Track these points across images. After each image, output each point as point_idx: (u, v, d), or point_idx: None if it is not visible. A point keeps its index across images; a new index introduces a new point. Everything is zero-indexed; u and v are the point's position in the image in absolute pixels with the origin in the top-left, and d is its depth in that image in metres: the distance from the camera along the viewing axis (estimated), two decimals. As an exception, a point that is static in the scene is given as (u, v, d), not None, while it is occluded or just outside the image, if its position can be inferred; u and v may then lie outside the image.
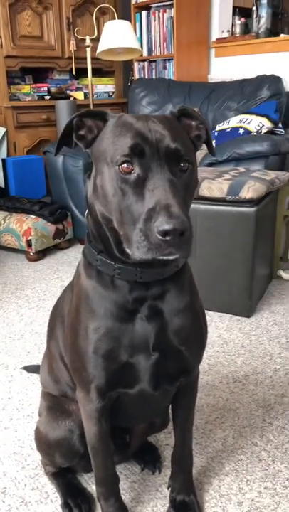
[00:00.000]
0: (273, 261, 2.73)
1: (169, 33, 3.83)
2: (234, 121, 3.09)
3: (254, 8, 3.83)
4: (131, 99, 3.75)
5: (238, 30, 3.88)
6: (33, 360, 1.99)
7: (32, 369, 1.84)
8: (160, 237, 0.75)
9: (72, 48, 3.98)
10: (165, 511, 1.26)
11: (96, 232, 0.95)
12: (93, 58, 3.67)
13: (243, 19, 3.88)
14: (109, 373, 0.98)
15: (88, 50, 3.61)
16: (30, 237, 3.08)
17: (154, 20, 3.91)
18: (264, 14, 3.60)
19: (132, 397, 1.04)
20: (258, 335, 2.15)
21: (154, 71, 4.09)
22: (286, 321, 2.28)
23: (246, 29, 3.92)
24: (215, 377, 1.84)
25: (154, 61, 4.05)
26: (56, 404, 1.23)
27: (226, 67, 3.89)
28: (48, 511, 1.27)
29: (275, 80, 3.18)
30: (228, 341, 2.11)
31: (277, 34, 3.72)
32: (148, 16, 3.95)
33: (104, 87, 4.40)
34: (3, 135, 3.64)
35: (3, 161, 3.57)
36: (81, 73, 4.13)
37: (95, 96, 4.20)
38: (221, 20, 3.93)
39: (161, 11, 3.84)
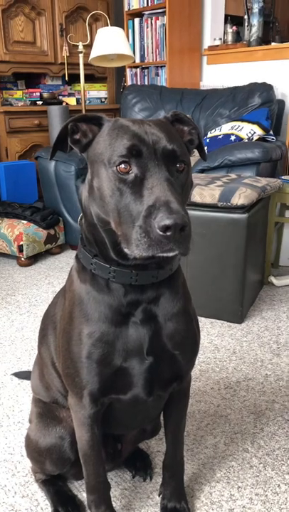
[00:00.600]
0: (264, 267, 2.74)
1: (161, 40, 3.86)
2: (226, 128, 3.11)
3: (246, 17, 3.88)
4: (123, 106, 3.76)
5: (229, 38, 3.91)
6: (23, 366, 1.97)
7: (22, 375, 1.84)
8: (161, 233, 0.76)
9: (65, 53, 3.99)
10: (156, 518, 1.26)
11: (91, 236, 0.95)
12: (86, 64, 3.69)
13: (234, 27, 3.92)
14: (102, 379, 0.98)
15: (81, 56, 3.62)
16: (21, 243, 3.07)
17: (147, 28, 3.93)
18: (255, 23, 3.63)
19: (125, 404, 1.04)
20: (249, 341, 2.16)
21: (146, 78, 4.11)
22: (277, 327, 2.29)
23: (238, 37, 3.96)
24: (206, 384, 1.84)
25: (147, 68, 4.07)
26: (47, 411, 1.22)
27: (218, 75, 3.92)
28: (38, 519, 1.26)
29: (266, 88, 3.20)
30: (220, 347, 2.11)
31: (268, 42, 3.76)
32: (140, 23, 3.97)
33: (97, 93, 4.42)
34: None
35: (-5, 165, 3.56)
36: (74, 79, 4.14)
37: (87, 102, 4.21)
38: (213, 28, 3.97)
39: (153, 18, 3.86)
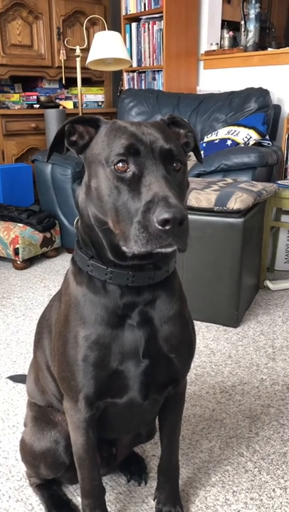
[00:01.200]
0: (260, 271, 2.75)
1: (158, 44, 3.87)
2: (222, 133, 3.13)
3: (242, 23, 3.90)
4: (120, 109, 3.77)
5: (226, 43, 3.93)
6: (18, 369, 1.97)
7: (18, 379, 1.83)
8: (160, 227, 0.76)
9: (62, 57, 4.00)
10: (151, 523, 1.25)
11: (87, 238, 0.95)
12: (83, 68, 3.70)
13: (231, 33, 3.94)
14: (98, 382, 0.97)
15: (78, 59, 3.63)
16: (17, 246, 3.07)
17: (144, 32, 3.95)
18: (252, 28, 3.66)
19: (120, 408, 1.04)
20: (245, 345, 2.16)
21: (143, 82, 4.12)
22: (272, 331, 2.29)
23: (235, 42, 3.98)
24: (202, 388, 1.84)
25: (144, 72, 4.09)
26: (42, 415, 1.22)
27: (215, 80, 3.94)
28: (33, 524, 1.25)
29: (262, 93, 3.22)
30: (215, 351, 2.11)
31: (264, 48, 3.78)
32: (138, 28, 3.99)
33: (94, 96, 4.43)
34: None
35: (-9, 168, 3.55)
36: (71, 82, 4.15)
37: (84, 105, 4.22)
38: (210, 33, 3.99)
39: (150, 22, 3.88)
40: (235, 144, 3.00)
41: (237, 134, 3.02)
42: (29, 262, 3.20)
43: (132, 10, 3.96)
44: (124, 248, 0.84)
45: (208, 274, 2.27)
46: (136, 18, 4.00)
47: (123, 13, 4.02)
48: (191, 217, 2.24)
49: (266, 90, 3.23)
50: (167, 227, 0.76)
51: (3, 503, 1.31)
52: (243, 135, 2.99)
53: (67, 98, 4.31)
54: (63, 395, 1.06)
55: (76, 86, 3.82)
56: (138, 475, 1.39)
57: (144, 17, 3.93)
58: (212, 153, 2.96)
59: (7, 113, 3.76)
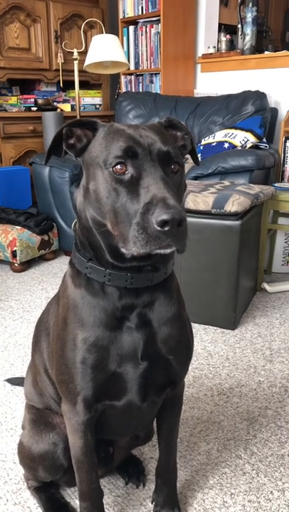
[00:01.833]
0: (257, 274, 2.76)
1: (155, 47, 3.88)
2: (219, 136, 3.14)
3: (239, 26, 3.92)
4: (118, 112, 3.78)
5: (223, 46, 3.95)
6: (16, 372, 1.97)
7: (16, 381, 1.83)
8: (159, 228, 0.77)
9: (60, 60, 4.01)
10: (149, 526, 1.25)
11: (85, 240, 0.96)
12: (80, 71, 3.70)
13: (228, 36, 3.96)
14: (97, 384, 0.98)
15: (76, 62, 3.64)
16: (15, 248, 3.07)
17: (142, 35, 3.96)
18: (249, 32, 3.67)
19: (119, 410, 1.04)
20: (243, 347, 2.17)
21: (140, 85, 4.13)
22: (270, 333, 2.30)
23: (232, 46, 4.00)
24: (199, 390, 1.84)
25: (141, 75, 4.10)
26: (40, 417, 1.22)
27: (212, 83, 3.95)
28: (31, 527, 1.25)
29: (259, 96, 3.23)
30: (213, 354, 2.11)
31: (261, 51, 3.80)
32: (135, 31, 4.00)
33: (92, 99, 4.43)
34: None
35: (-11, 171, 3.55)
36: (68, 85, 4.15)
37: (81, 108, 4.22)
38: (207, 36, 4.00)
39: (148, 26, 3.89)
40: (233, 146, 3.01)
41: (234, 137, 3.03)
42: (27, 265, 3.20)
43: (130, 13, 3.97)
44: (122, 250, 0.84)
45: (205, 276, 2.27)
46: (133, 22, 4.01)
47: (121, 16, 4.04)
48: (188, 219, 2.23)
49: (263, 93, 3.24)
50: (166, 228, 0.77)
51: (0, 506, 1.31)
52: (240, 138, 3.00)
53: (64, 101, 4.32)
54: (61, 398, 1.06)
55: (74, 89, 3.83)
56: (136, 477, 1.39)
57: (141, 20, 3.95)
58: (209, 156, 2.97)
59: (5, 116, 3.76)
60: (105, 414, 1.05)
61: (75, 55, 3.62)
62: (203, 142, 3.23)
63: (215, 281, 2.26)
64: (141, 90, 4.10)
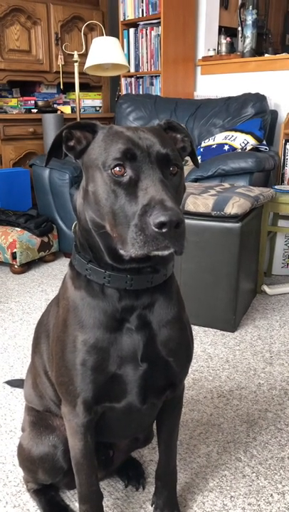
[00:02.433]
0: (257, 276, 2.76)
1: (156, 50, 3.89)
2: (219, 138, 3.14)
3: (239, 29, 3.93)
4: (118, 114, 3.78)
5: (223, 49, 3.96)
6: (16, 374, 1.96)
7: (15, 383, 1.83)
8: (156, 230, 0.77)
9: (60, 62, 4.01)
10: (149, 528, 1.25)
11: (85, 242, 0.96)
12: (81, 73, 3.71)
13: (228, 38, 3.97)
14: (97, 386, 0.98)
15: (76, 65, 3.65)
16: (15, 250, 3.07)
17: (142, 38, 3.96)
18: (249, 34, 3.68)
19: (119, 412, 1.04)
20: (242, 350, 2.16)
21: (140, 87, 4.14)
22: (270, 335, 2.30)
23: (232, 48, 4.00)
24: (199, 392, 1.84)
25: (141, 77, 4.10)
26: (40, 420, 1.22)
27: (212, 85, 3.96)
28: (30, 529, 1.25)
29: (259, 98, 3.24)
30: (213, 356, 2.11)
31: (261, 54, 3.81)
32: (136, 33, 4.00)
33: (92, 101, 4.44)
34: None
35: (-11, 173, 3.56)
36: (68, 87, 4.16)
37: (82, 110, 4.23)
38: (207, 39, 4.01)
39: (148, 28, 3.90)
40: (233, 149, 3.01)
41: (234, 139, 3.04)
42: (27, 267, 3.20)
43: (130, 16, 3.98)
44: (121, 251, 0.85)
45: (205, 278, 2.27)
46: (134, 24, 4.02)
47: (121, 18, 4.04)
48: (188, 221, 2.25)
49: (263, 96, 3.25)
50: (164, 230, 0.77)
51: (0, 508, 1.31)
52: (240, 140, 3.00)
53: (65, 103, 4.32)
54: (61, 400, 1.06)
55: (74, 91, 3.84)
56: (136, 480, 1.39)
57: (141, 23, 3.95)
58: (209, 158, 2.98)
59: (5, 118, 3.76)
60: (105, 416, 1.05)
61: (76, 57, 3.63)
62: (203, 144, 3.23)
63: (215, 283, 2.26)
64: (141, 92, 4.11)
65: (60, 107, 4.22)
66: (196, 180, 2.85)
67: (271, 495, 1.36)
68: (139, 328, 0.97)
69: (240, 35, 3.89)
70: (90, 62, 3.44)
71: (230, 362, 2.06)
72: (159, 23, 3.78)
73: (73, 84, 3.78)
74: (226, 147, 3.04)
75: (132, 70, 4.08)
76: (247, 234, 2.29)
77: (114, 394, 1.00)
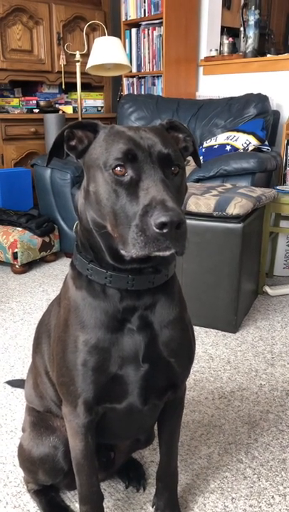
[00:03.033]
0: (259, 277, 2.75)
1: (158, 50, 3.89)
2: (221, 138, 3.13)
3: (242, 29, 3.92)
4: (120, 115, 3.78)
5: (226, 49, 3.95)
6: (16, 374, 1.96)
7: (16, 383, 1.82)
8: (157, 230, 0.77)
9: (62, 62, 4.01)
10: (149, 530, 1.24)
11: (86, 242, 0.96)
12: (83, 73, 3.70)
13: (230, 39, 3.96)
14: (98, 386, 0.97)
15: (78, 65, 3.64)
16: (16, 250, 3.06)
17: (144, 38, 3.96)
18: (251, 35, 3.67)
19: (120, 413, 1.03)
20: (244, 350, 2.16)
21: (142, 87, 4.13)
22: (271, 336, 2.29)
23: (234, 48, 4.00)
24: (200, 393, 1.84)
25: (143, 77, 4.10)
26: (41, 420, 1.21)
27: (214, 85, 3.95)
28: (30, 530, 1.24)
29: (261, 99, 3.23)
30: (214, 357, 2.10)
31: (264, 54, 3.80)
32: (138, 33, 4.00)
33: (94, 101, 4.44)
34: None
35: (-9, 172, 3.56)
36: (70, 87, 4.16)
37: (83, 110, 4.23)
38: (210, 39, 4.01)
39: (150, 28, 3.89)
40: (235, 149, 3.00)
41: (236, 140, 3.03)
42: (28, 267, 3.20)
43: (132, 16, 3.98)
44: (122, 252, 0.84)
45: (207, 279, 2.27)
46: (136, 24, 4.02)
47: (123, 18, 4.04)
48: (190, 222, 2.25)
49: (265, 96, 3.24)
50: (165, 231, 0.77)
51: (0, 509, 1.30)
52: (242, 141, 3.00)
53: (66, 103, 4.32)
54: (62, 400, 1.05)
55: (76, 91, 3.83)
56: (136, 481, 1.38)
57: (144, 23, 3.95)
58: (211, 159, 2.97)
59: (7, 117, 3.76)
60: (106, 417, 1.05)
61: (78, 57, 3.62)
62: (205, 145, 3.23)
63: (216, 284, 2.25)
64: (143, 93, 4.11)
65: (61, 107, 4.22)
66: (197, 181, 2.84)
67: (272, 497, 1.35)
68: (140, 329, 0.97)
69: (242, 36, 3.89)
70: (91, 62, 3.43)
71: (231, 363, 2.06)
72: (161, 23, 3.77)
73: (75, 84, 3.77)
74: (228, 147, 3.03)
75: (134, 70, 4.08)
76: (249, 234, 2.28)
77: (116, 394, 1.00)
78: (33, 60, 3.92)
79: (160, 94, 3.93)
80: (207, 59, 3.95)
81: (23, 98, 4.01)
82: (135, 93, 4.14)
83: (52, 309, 1.14)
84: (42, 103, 4.04)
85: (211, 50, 3.97)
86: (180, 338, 1.02)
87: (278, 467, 1.46)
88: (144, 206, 0.79)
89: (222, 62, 3.86)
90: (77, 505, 1.28)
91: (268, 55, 3.73)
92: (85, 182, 0.92)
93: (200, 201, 2.21)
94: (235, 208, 2.12)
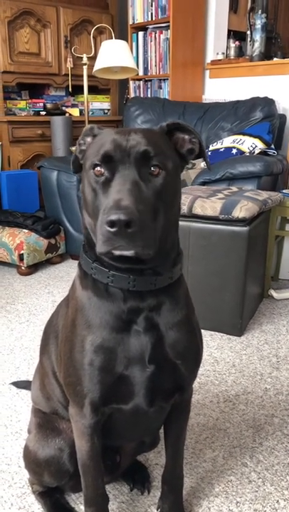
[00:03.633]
0: (264, 280, 2.75)
1: (164, 53, 3.89)
2: (227, 142, 3.14)
3: (248, 33, 3.92)
4: (126, 117, 3.79)
5: (232, 52, 3.95)
6: (22, 375, 1.97)
7: (21, 385, 1.83)
8: (108, 228, 0.78)
9: (69, 65, 4.03)
10: (154, 533, 1.24)
11: (87, 241, 0.98)
12: (89, 76, 3.72)
13: (237, 42, 3.96)
14: (104, 386, 0.97)
15: (85, 67, 3.66)
16: (22, 251, 3.08)
17: (151, 41, 3.97)
18: (258, 38, 3.68)
19: (126, 415, 1.03)
20: (249, 354, 2.15)
21: (149, 90, 4.14)
22: (276, 340, 2.29)
23: (240, 52, 4.00)
24: (205, 396, 1.83)
25: (150, 80, 4.11)
26: (46, 422, 1.21)
27: (220, 89, 3.96)
28: (35, 532, 1.25)
29: (268, 102, 3.23)
30: (219, 360, 2.10)
31: (270, 58, 3.80)
32: (144, 37, 4.01)
33: (100, 104, 4.45)
34: (-2, 149, 3.65)
35: (-3, 174, 3.57)
36: (77, 90, 4.17)
37: (90, 113, 4.24)
38: (216, 42, 4.01)
39: (157, 32, 3.90)
40: (241, 152, 3.00)
41: (242, 143, 3.03)
42: (34, 268, 3.21)
43: (139, 19, 3.99)
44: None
45: (212, 282, 2.27)
46: (143, 27, 4.03)
47: (130, 22, 4.05)
48: (196, 225, 2.25)
49: (272, 100, 3.24)
50: (113, 229, 0.78)
51: (5, 510, 1.31)
52: (249, 144, 3.00)
53: (73, 105, 4.34)
54: (69, 401, 1.06)
55: (82, 94, 3.85)
56: (141, 484, 1.38)
57: (150, 26, 3.96)
58: (217, 162, 2.97)
59: (14, 120, 3.78)
60: (113, 418, 1.05)
61: (85, 60, 3.64)
62: (211, 148, 3.23)
63: (222, 287, 2.25)
64: (149, 96, 4.11)
65: (68, 110, 4.24)
66: (203, 184, 2.84)
67: (277, 501, 1.34)
68: (146, 330, 0.97)
69: (249, 39, 3.89)
70: (98, 65, 3.45)
71: (236, 366, 2.05)
72: (168, 27, 3.78)
73: (82, 86, 3.79)
74: (234, 151, 3.03)
75: (141, 73, 4.09)
76: (254, 238, 2.28)
77: (122, 395, 1.00)
78: (40, 63, 3.94)
79: (166, 97, 3.94)
80: (214, 62, 3.95)
81: (30, 100, 4.03)
82: (142, 96, 4.15)
83: (60, 310, 1.15)
84: (49, 105, 4.06)
85: (217, 54, 3.98)
86: (187, 341, 1.02)
87: (283, 471, 1.46)
88: (106, 205, 0.81)
89: (228, 66, 3.86)
90: (82, 507, 1.28)
91: (275, 59, 3.73)
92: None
93: (206, 204, 2.21)
94: (241, 211, 2.12)
